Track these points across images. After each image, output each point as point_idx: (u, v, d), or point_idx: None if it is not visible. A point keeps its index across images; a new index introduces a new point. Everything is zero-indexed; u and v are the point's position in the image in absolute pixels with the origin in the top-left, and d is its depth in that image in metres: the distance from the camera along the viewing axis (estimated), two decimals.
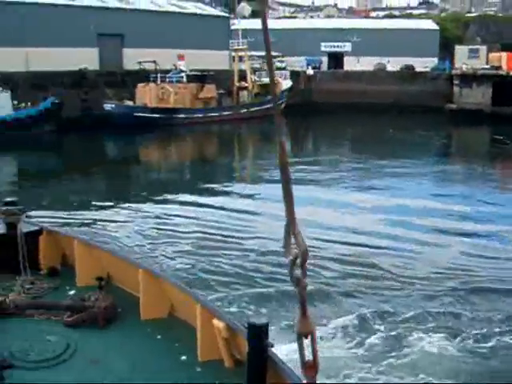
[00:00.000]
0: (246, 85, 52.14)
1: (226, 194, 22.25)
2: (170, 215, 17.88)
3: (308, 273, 2.18)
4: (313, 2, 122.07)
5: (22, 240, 6.12)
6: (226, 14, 64.69)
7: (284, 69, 61.06)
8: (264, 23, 2.09)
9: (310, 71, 61.33)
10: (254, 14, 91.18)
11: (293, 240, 2.13)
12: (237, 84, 51.91)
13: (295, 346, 2.23)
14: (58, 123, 39.72)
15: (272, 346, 3.72)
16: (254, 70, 54.51)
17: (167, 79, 45.96)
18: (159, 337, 4.97)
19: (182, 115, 44.47)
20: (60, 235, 6.75)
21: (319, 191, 22.12)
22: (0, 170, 32.05)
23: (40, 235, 6.57)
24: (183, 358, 4.63)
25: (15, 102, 39.70)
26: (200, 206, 19.13)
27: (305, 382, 2.28)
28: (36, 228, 6.65)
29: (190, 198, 20.80)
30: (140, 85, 44.90)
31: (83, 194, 22.37)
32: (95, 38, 50.05)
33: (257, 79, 53.61)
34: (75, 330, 4.97)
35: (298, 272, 2.14)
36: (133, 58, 50.27)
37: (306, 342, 2.19)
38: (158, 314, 5.27)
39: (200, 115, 45.35)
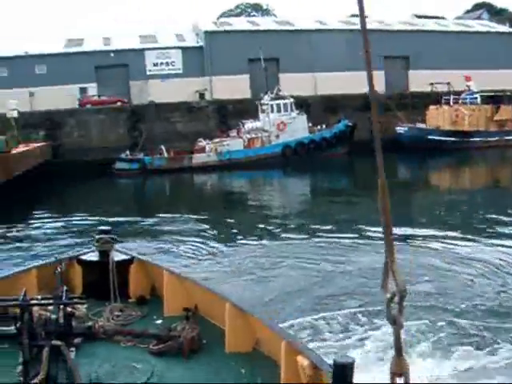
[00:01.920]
0: None
1: None
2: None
3: None
4: None
5: (114, 268, 6.42)
6: None
7: None
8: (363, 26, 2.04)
9: None
10: None
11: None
12: None
13: None
14: (350, 145, 40.29)
15: None
16: None
17: (460, 101, 44.07)
18: (243, 370, 4.95)
19: (476, 138, 42.26)
20: (150, 265, 6.89)
21: None
22: (294, 187, 34.04)
23: (131, 264, 6.78)
24: None
25: (310, 125, 41.10)
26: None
27: None
28: (127, 257, 6.87)
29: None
30: (432, 107, 43.74)
31: (368, 212, 21.04)
32: (381, 60, 50.31)
33: None
34: (160, 359, 5.07)
35: (394, 311, 2.10)
36: (418, 79, 49.51)
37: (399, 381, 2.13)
38: (242, 347, 5.27)
39: (495, 138, 42.61)
